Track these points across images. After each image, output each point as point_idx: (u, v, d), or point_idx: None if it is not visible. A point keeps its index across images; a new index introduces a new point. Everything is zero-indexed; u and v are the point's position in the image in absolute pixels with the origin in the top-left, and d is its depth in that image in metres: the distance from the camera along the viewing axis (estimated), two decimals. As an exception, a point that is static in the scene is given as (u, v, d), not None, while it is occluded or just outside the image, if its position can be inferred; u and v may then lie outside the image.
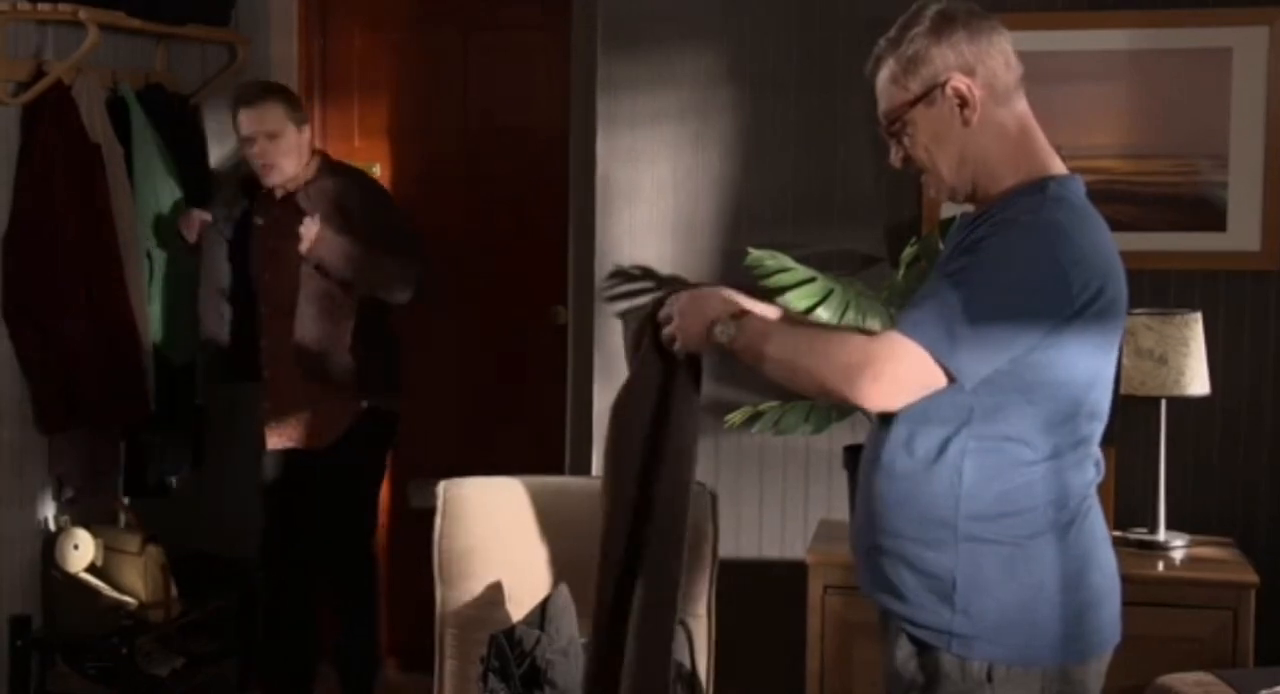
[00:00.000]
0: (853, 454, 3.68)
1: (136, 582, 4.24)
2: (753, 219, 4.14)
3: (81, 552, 4.22)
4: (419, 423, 4.51)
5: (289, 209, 4.14)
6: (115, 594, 4.24)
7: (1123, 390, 3.58)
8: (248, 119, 4.11)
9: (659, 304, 2.40)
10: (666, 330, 2.36)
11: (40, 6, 4.04)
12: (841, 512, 3.88)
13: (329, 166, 4.23)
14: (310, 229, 4.02)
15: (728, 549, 3.55)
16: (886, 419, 2.24)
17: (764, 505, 4.17)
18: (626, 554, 2.44)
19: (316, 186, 4.16)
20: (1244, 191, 3.87)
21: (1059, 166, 2.27)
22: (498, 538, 3.22)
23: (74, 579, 4.22)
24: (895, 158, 2.31)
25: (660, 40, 4.15)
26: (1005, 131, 2.25)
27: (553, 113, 4.61)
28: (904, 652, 2.26)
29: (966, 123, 2.22)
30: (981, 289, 2.12)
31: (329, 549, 4.25)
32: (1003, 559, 2.19)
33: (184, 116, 4.64)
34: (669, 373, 2.41)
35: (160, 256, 4.41)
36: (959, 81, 2.21)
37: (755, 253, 3.76)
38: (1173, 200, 3.91)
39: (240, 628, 4.58)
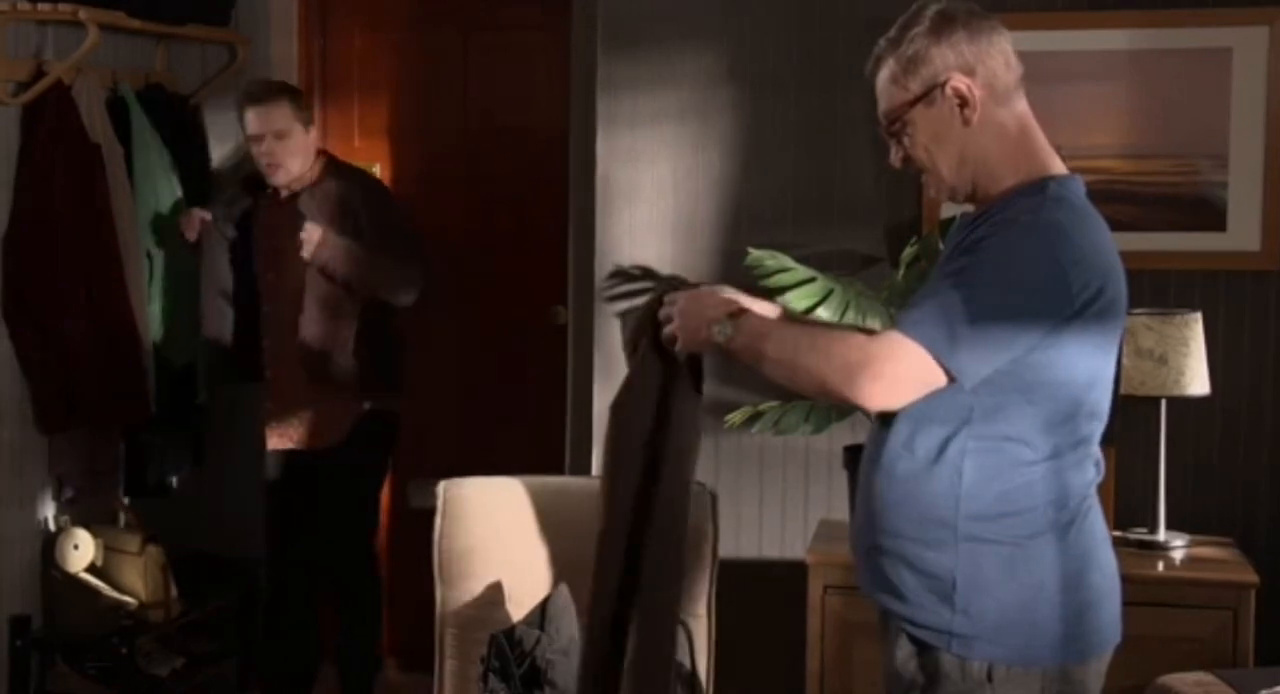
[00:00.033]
0: (853, 454, 3.68)
1: (136, 582, 4.24)
2: (753, 219, 4.14)
3: (81, 552, 4.22)
4: (419, 423, 4.51)
5: (292, 210, 4.14)
6: (115, 594, 4.25)
7: (1123, 390, 3.58)
8: (255, 117, 4.11)
9: (657, 303, 2.40)
10: (667, 330, 2.35)
11: (40, 6, 4.04)
12: (841, 512, 3.88)
13: (334, 167, 4.23)
14: (312, 234, 4.02)
15: (728, 549, 3.55)
16: (887, 419, 2.24)
17: (764, 505, 4.17)
18: (627, 554, 2.43)
19: (320, 189, 4.16)
20: (1244, 191, 3.87)
21: (1059, 166, 2.27)
22: (498, 538, 3.22)
23: (74, 579, 4.22)
24: (895, 158, 2.31)
25: (660, 40, 4.15)
26: (1005, 131, 2.25)
27: (553, 113, 4.61)
28: (904, 652, 2.26)
29: (966, 123, 2.23)
30: (982, 289, 2.12)
31: (331, 549, 4.25)
32: (1003, 559, 2.19)
33: (184, 116, 4.64)
34: (669, 373, 2.41)
35: (160, 256, 4.41)
36: (959, 81, 2.21)
37: (755, 253, 3.76)
38: (1173, 200, 3.91)
39: (240, 628, 4.58)
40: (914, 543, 2.22)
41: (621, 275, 4.22)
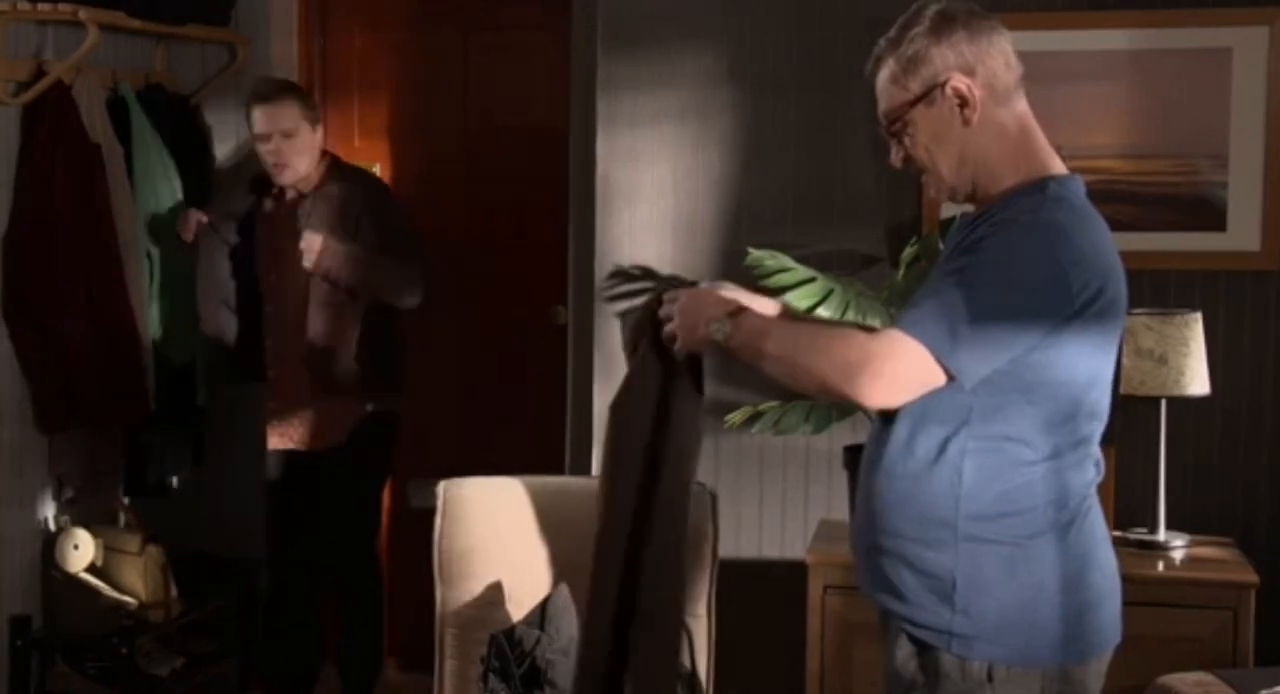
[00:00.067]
0: (853, 454, 3.68)
1: (136, 582, 4.24)
2: (753, 219, 4.14)
3: (81, 552, 4.22)
4: (419, 423, 4.51)
5: (295, 213, 4.14)
6: (115, 594, 4.24)
7: (1123, 390, 3.58)
8: (263, 116, 4.10)
9: (656, 302, 2.40)
10: (666, 329, 2.36)
11: (40, 6, 4.04)
12: (841, 512, 3.88)
13: (337, 169, 4.22)
14: (312, 243, 4.01)
15: (728, 549, 3.55)
16: (887, 419, 2.24)
17: (764, 505, 4.17)
18: (627, 555, 2.43)
19: (322, 192, 4.15)
20: (1244, 191, 3.87)
21: (1059, 166, 2.27)
22: (498, 538, 3.22)
23: (74, 579, 4.22)
24: (896, 158, 2.31)
25: (660, 40, 4.15)
26: (1005, 131, 2.25)
27: (553, 113, 4.61)
28: (904, 652, 2.26)
29: (967, 122, 2.22)
30: (982, 289, 2.12)
31: (333, 550, 4.25)
32: (1003, 559, 2.19)
33: (184, 116, 4.64)
34: (669, 372, 2.41)
35: (160, 256, 4.40)
36: (959, 81, 2.21)
37: (755, 253, 3.77)
38: (1173, 200, 3.91)
39: (240, 628, 4.58)
40: (914, 543, 2.22)
41: (621, 275, 4.22)
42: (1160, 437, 3.69)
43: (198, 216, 4.30)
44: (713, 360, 2.44)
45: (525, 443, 4.65)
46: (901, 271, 3.73)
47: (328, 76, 4.83)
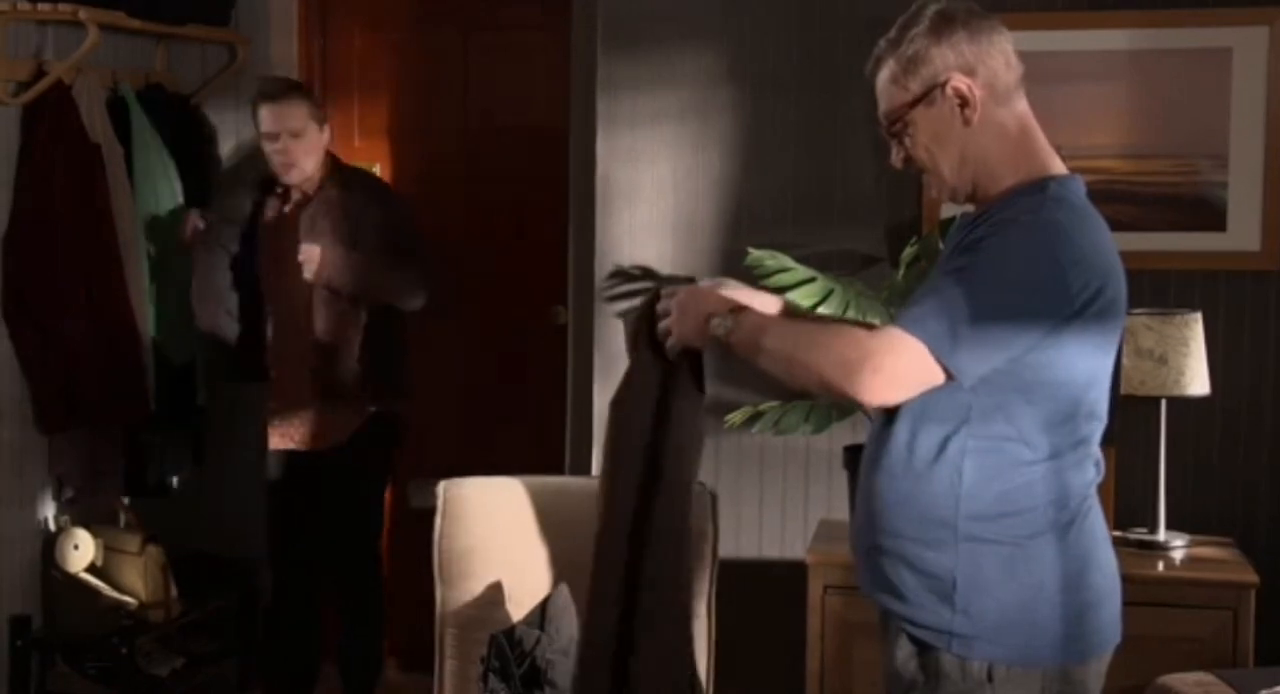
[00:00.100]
0: (853, 454, 3.68)
1: (136, 582, 4.24)
2: (753, 219, 4.14)
3: (81, 552, 4.22)
4: (419, 423, 4.50)
5: (296, 217, 4.14)
6: (115, 594, 4.24)
7: (1123, 390, 3.58)
8: (272, 116, 4.10)
9: (655, 298, 2.40)
10: (662, 324, 2.36)
11: (40, 6, 4.04)
12: (841, 512, 3.88)
13: (338, 171, 4.21)
14: (311, 254, 4.01)
15: (728, 549, 3.55)
16: (887, 419, 2.24)
17: (764, 505, 4.17)
18: (628, 555, 2.43)
19: (323, 198, 4.14)
20: (1244, 191, 3.87)
21: (1059, 166, 2.27)
22: (498, 538, 3.22)
23: (74, 579, 4.22)
24: (896, 158, 2.31)
25: (660, 40, 4.15)
26: (1006, 131, 2.24)
27: (553, 113, 4.61)
28: (904, 652, 2.26)
29: (967, 123, 2.22)
30: (981, 287, 2.12)
31: (335, 550, 4.25)
32: (1003, 559, 2.19)
33: (184, 116, 4.64)
34: (667, 370, 2.41)
35: (160, 256, 4.40)
36: (959, 81, 2.21)
37: (755, 253, 3.77)
38: (1173, 200, 3.91)
39: (240, 628, 4.58)
40: (914, 543, 2.22)
41: (621, 275, 4.22)
42: (1160, 437, 3.69)
43: (194, 220, 4.29)
44: (713, 360, 2.44)
45: (525, 443, 4.65)
46: (901, 271, 3.73)
47: (328, 76, 4.83)
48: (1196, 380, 3.62)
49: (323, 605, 4.34)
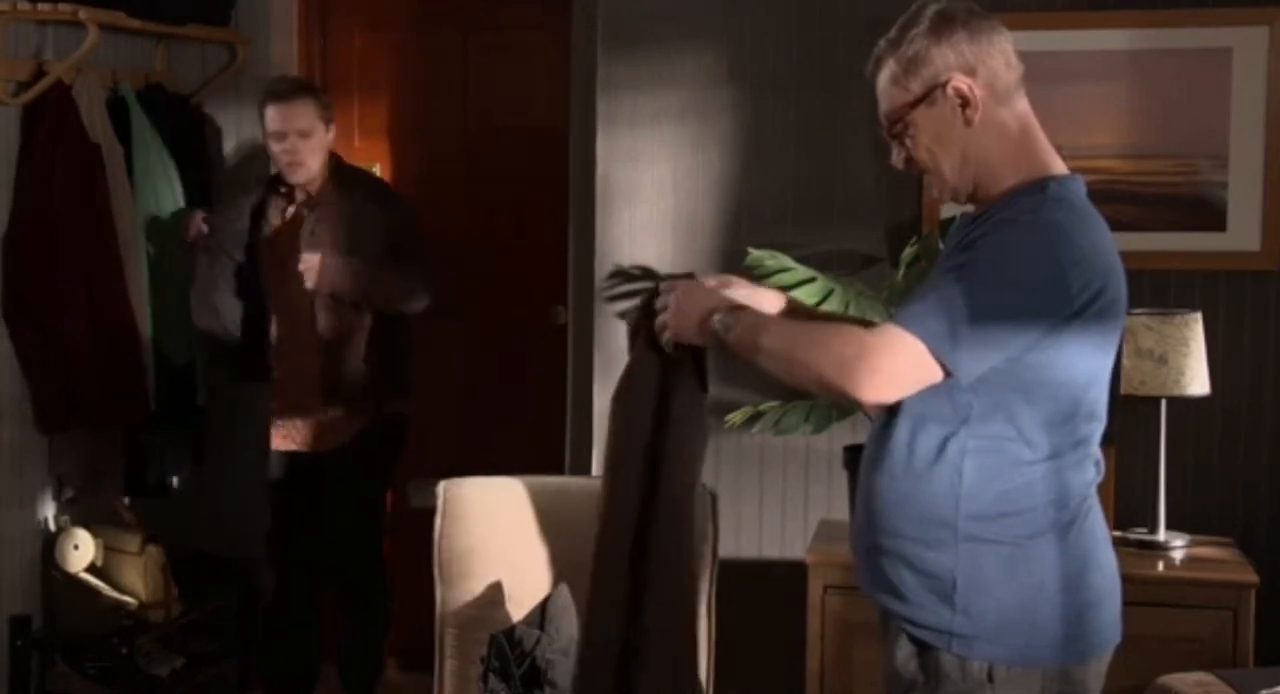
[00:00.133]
0: (853, 454, 3.68)
1: (136, 582, 4.24)
2: (753, 219, 4.14)
3: (81, 552, 4.22)
4: (419, 423, 4.50)
5: (297, 220, 4.13)
6: (115, 594, 4.24)
7: (1123, 390, 3.59)
8: (279, 115, 4.09)
9: (654, 293, 2.40)
10: (659, 320, 2.35)
11: (40, 6, 4.04)
12: (841, 512, 3.88)
13: (339, 173, 4.20)
14: (310, 263, 4.01)
15: (728, 549, 3.55)
16: (887, 419, 2.24)
17: (764, 505, 4.17)
18: (629, 555, 2.43)
19: (325, 204, 4.13)
20: (1244, 191, 3.87)
21: (1060, 166, 2.27)
22: (498, 538, 3.22)
23: (74, 579, 4.22)
24: (897, 159, 2.31)
25: (660, 40, 4.15)
26: (1006, 131, 2.24)
27: (553, 113, 4.61)
28: (904, 652, 2.26)
29: (968, 123, 2.22)
30: (981, 286, 2.11)
31: (337, 551, 4.24)
32: (1003, 559, 2.19)
33: (184, 116, 4.64)
34: (665, 367, 2.41)
35: (160, 257, 4.40)
36: (960, 82, 2.21)
37: (755, 253, 3.77)
38: (1173, 200, 3.92)
39: (240, 628, 4.58)
40: (914, 543, 2.22)
41: (621, 275, 4.22)
42: (1160, 437, 3.69)
43: (199, 223, 4.29)
44: (713, 360, 2.44)
45: (525, 443, 4.65)
46: (901, 271, 3.73)
47: (328, 76, 4.83)
48: (1196, 380, 3.62)
49: (323, 605, 4.34)
